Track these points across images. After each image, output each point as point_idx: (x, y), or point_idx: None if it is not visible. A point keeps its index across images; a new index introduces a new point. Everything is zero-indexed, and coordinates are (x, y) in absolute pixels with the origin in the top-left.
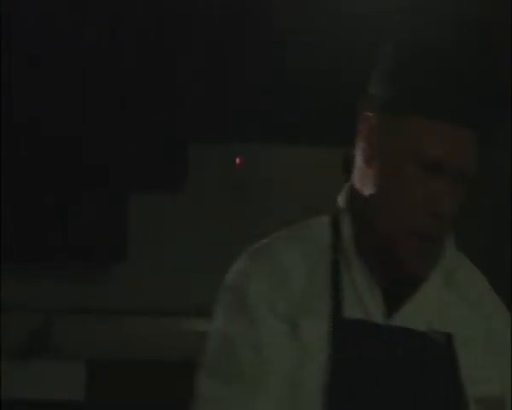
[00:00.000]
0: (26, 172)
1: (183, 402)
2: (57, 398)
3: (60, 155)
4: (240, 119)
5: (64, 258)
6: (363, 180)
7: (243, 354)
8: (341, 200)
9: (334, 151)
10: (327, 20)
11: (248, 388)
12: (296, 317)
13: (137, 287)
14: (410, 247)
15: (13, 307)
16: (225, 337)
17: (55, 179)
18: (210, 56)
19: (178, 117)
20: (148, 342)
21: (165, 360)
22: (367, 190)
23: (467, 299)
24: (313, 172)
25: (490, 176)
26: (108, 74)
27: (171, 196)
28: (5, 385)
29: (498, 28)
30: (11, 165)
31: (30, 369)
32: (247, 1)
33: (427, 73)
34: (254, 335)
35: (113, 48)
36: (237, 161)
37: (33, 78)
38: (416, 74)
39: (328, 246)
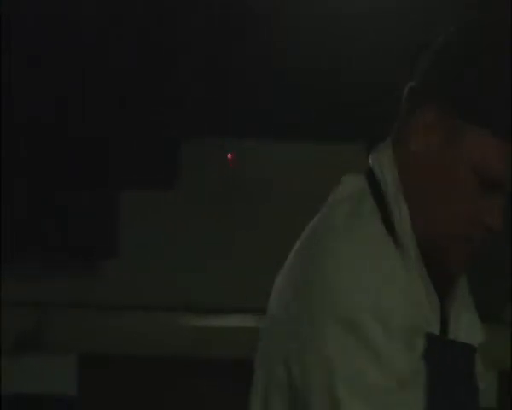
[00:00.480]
0: (21, 169)
1: (177, 397)
2: (50, 392)
3: (54, 152)
4: (237, 116)
5: (59, 254)
6: (413, 176)
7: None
8: (390, 185)
9: (335, 149)
10: (327, 20)
11: None
12: (414, 336)
13: (131, 283)
14: (457, 251)
15: (8, 302)
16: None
17: (50, 176)
18: (207, 53)
19: (174, 113)
20: (141, 337)
21: (158, 355)
22: (418, 188)
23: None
24: (311, 169)
25: None
26: (104, 72)
27: (166, 192)
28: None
29: None
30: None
31: (23, 364)
32: None
33: (502, 90)
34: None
35: (109, 46)
36: (229, 156)
37: (30, 75)
38: (490, 89)
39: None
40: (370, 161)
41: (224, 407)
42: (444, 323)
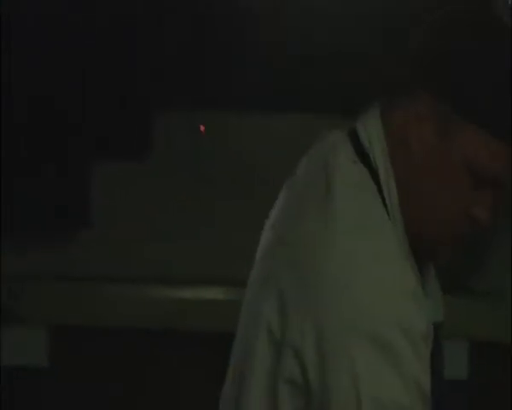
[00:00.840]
0: None
1: (152, 370)
2: (20, 363)
3: (26, 120)
4: (211, 87)
5: (30, 225)
6: (402, 164)
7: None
8: (381, 168)
9: (319, 119)
10: None
11: None
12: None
13: (104, 254)
14: (444, 242)
15: None
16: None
17: (23, 145)
18: (182, 23)
19: (145, 84)
20: (113, 308)
21: (131, 326)
22: (407, 178)
23: None
24: (295, 139)
25: None
26: (73, 40)
27: (137, 163)
28: None
29: None
30: None
31: None
32: None
33: (498, 88)
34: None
35: (82, 14)
36: (201, 128)
37: None
38: (485, 87)
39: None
40: (359, 133)
41: (198, 382)
42: None
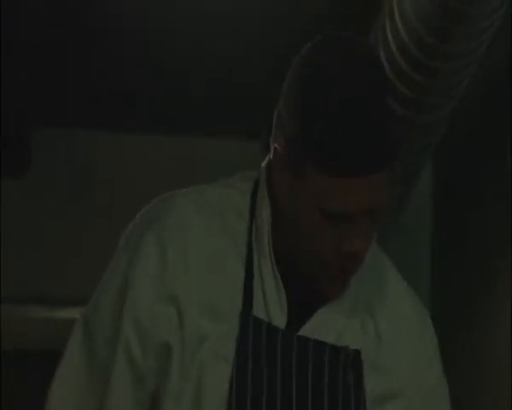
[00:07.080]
0: None
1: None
2: None
3: None
4: (87, 105)
5: None
6: (275, 202)
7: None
8: (261, 180)
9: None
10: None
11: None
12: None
13: None
14: (328, 276)
15: None
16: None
17: None
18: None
19: (23, 102)
20: None
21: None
22: (277, 216)
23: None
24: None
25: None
26: None
27: (14, 181)
28: None
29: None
30: None
31: None
32: None
33: (332, 132)
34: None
35: None
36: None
37: None
38: (320, 133)
39: (246, 222)
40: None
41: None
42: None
